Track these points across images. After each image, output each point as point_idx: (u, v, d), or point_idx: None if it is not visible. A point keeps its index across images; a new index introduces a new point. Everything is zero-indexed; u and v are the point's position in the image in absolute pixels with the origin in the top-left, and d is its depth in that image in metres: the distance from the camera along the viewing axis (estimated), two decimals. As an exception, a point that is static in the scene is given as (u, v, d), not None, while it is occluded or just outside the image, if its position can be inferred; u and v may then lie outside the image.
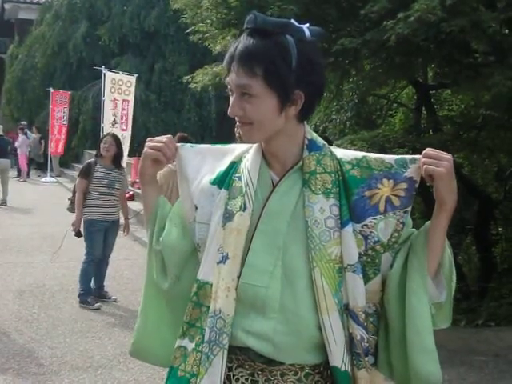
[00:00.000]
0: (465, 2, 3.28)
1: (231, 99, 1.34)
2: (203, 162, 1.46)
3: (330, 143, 1.44)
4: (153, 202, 1.50)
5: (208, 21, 4.75)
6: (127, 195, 11.49)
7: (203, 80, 5.66)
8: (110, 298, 5.73)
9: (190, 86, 6.34)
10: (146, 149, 1.45)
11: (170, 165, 3.71)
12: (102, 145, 5.59)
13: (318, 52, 1.35)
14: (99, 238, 5.58)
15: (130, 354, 1.57)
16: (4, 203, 11.83)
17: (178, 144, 1.48)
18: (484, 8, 3.63)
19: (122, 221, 5.90)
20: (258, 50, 1.27)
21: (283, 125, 1.33)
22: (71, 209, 5.76)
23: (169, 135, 1.48)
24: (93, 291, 5.67)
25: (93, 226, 5.52)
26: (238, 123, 1.36)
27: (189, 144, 1.52)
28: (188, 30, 5.59)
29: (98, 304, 5.48)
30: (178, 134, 5.53)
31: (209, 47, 5.75)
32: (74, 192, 5.70)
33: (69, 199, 5.81)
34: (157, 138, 1.46)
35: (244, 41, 1.29)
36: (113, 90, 11.12)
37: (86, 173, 5.52)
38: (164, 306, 1.49)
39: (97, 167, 5.52)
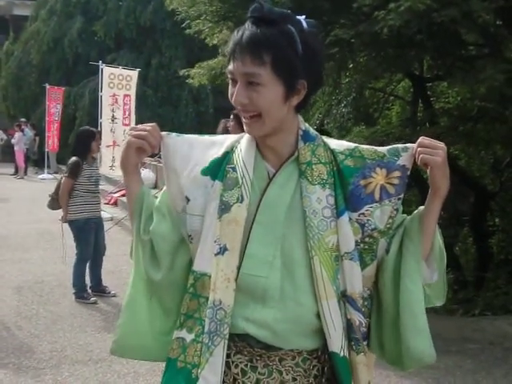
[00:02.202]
0: None
1: (232, 88, 1.33)
2: (192, 152, 1.43)
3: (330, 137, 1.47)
4: (136, 192, 1.47)
5: (203, 15, 4.75)
6: (123, 191, 11.58)
7: (200, 75, 5.66)
8: (109, 292, 5.74)
9: (187, 81, 6.35)
10: (129, 137, 1.42)
11: None
12: (95, 142, 5.57)
13: (319, 42, 1.37)
14: (92, 237, 5.58)
15: (111, 352, 1.50)
16: None
17: (163, 133, 1.44)
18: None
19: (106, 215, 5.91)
20: (266, 37, 1.26)
21: (285, 115, 1.34)
22: (52, 205, 5.68)
23: (153, 123, 1.45)
24: (88, 287, 5.66)
25: (87, 224, 5.51)
26: (242, 116, 1.34)
27: (175, 133, 1.48)
28: (184, 24, 5.60)
29: (94, 298, 5.50)
30: (223, 121, 4.99)
31: (205, 41, 5.76)
32: (57, 189, 5.57)
33: (50, 195, 5.69)
34: (140, 126, 1.43)
35: (250, 29, 1.28)
36: (112, 85, 11.04)
37: (76, 173, 5.42)
38: (152, 299, 1.46)
39: (84, 165, 5.48)
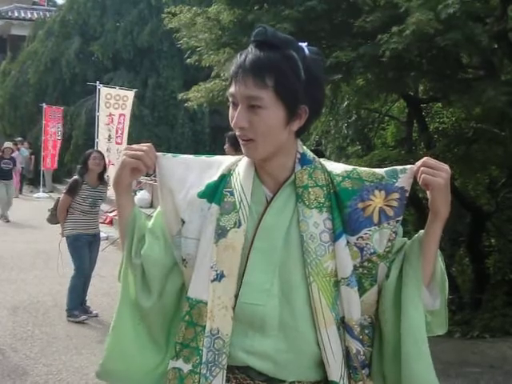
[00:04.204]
0: (458, 16, 3.32)
1: (233, 111, 1.32)
2: (188, 173, 1.40)
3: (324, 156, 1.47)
4: (128, 213, 1.43)
5: (203, 43, 4.79)
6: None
7: (197, 97, 5.70)
8: (91, 312, 5.70)
9: (185, 105, 6.40)
10: (124, 157, 1.39)
11: None
12: (91, 161, 5.57)
13: (321, 68, 1.36)
14: (86, 252, 5.60)
15: (97, 375, 1.45)
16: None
17: (159, 153, 1.42)
18: (473, 22, 3.67)
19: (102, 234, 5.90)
20: (270, 61, 1.26)
21: (285, 140, 1.33)
22: (51, 220, 5.77)
23: (149, 143, 1.43)
24: (79, 305, 5.66)
25: (78, 240, 5.54)
26: (240, 140, 1.32)
27: (170, 154, 1.45)
28: (186, 56, 5.69)
29: (84, 317, 5.50)
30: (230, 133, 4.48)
31: (202, 63, 5.80)
32: (56, 204, 5.67)
33: (49, 210, 5.80)
34: (135, 146, 1.41)
35: (254, 52, 1.28)
36: (108, 105, 11.10)
37: (73, 191, 5.50)
38: (140, 325, 1.42)
39: (83, 185, 5.52)
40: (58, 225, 5.68)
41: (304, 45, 1.33)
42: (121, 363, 1.43)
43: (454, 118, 7.27)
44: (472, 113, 5.69)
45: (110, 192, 11.21)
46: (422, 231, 1.38)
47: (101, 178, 5.72)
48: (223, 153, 4.25)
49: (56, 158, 17.15)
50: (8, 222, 11.96)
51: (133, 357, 1.42)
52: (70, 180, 5.68)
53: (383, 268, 1.35)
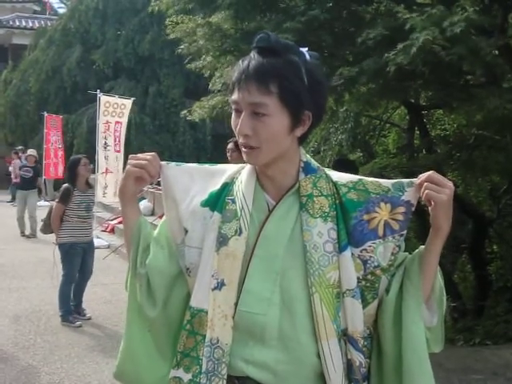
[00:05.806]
0: (463, 31, 3.32)
1: (236, 118, 1.30)
2: (192, 182, 1.40)
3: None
4: (134, 222, 1.43)
5: (204, 50, 4.80)
6: (120, 218, 11.55)
7: (200, 113, 5.72)
8: (85, 315, 5.75)
9: (188, 118, 6.44)
10: (128, 166, 1.39)
11: None
12: (82, 167, 5.65)
13: (322, 73, 1.35)
14: (78, 261, 5.67)
15: (114, 376, 1.49)
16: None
17: (163, 162, 1.41)
18: (477, 35, 3.67)
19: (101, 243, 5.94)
20: (273, 67, 1.25)
21: (288, 146, 1.31)
22: (44, 230, 5.86)
23: (153, 153, 1.42)
24: (72, 310, 5.71)
25: (73, 248, 5.60)
26: (242, 147, 1.31)
27: (174, 163, 1.44)
28: (186, 61, 5.70)
29: (79, 322, 5.56)
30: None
31: (210, 81, 5.80)
32: (49, 214, 5.74)
33: (42, 220, 5.86)
34: (140, 155, 1.40)
35: (257, 58, 1.26)
36: (106, 113, 11.17)
37: (66, 199, 5.57)
38: (147, 333, 1.42)
39: (75, 192, 5.60)
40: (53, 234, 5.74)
41: (305, 50, 1.32)
42: (132, 369, 1.45)
43: (455, 125, 7.29)
44: (473, 119, 5.70)
45: (111, 199, 11.25)
46: (422, 247, 1.37)
47: (88, 182, 5.81)
48: (225, 160, 4.24)
49: (59, 167, 17.16)
50: (24, 236, 11.47)
51: (142, 365, 1.43)
52: (60, 189, 5.74)
53: (384, 281, 1.34)
